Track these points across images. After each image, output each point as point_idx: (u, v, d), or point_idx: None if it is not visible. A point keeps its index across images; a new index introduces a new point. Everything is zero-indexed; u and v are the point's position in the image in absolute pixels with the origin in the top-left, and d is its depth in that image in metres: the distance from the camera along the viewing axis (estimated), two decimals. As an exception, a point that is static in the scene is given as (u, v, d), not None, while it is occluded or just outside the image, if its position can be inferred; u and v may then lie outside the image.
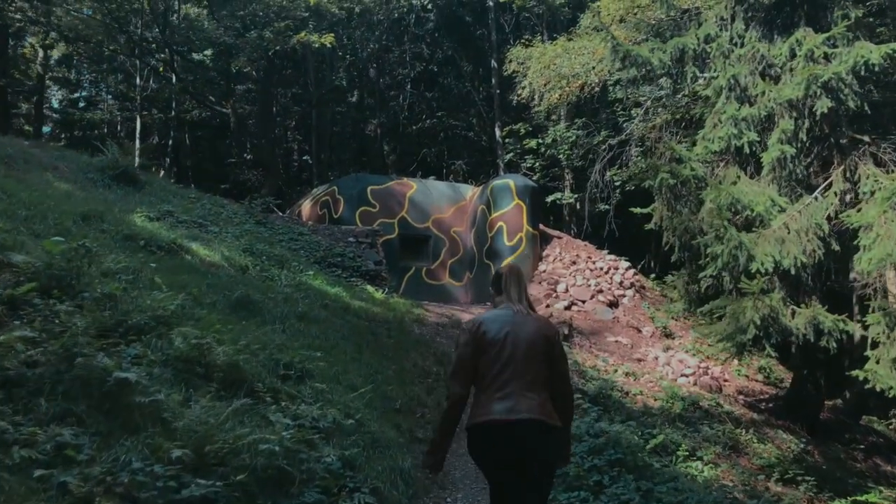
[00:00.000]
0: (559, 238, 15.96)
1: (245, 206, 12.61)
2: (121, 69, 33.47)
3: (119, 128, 36.62)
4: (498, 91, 23.15)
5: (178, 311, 5.80)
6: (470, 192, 17.18)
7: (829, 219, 7.86)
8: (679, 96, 14.20)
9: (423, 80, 30.27)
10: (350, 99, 32.71)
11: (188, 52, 23.21)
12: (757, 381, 12.55)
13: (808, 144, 8.38)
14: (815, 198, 8.03)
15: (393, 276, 14.96)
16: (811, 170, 8.56)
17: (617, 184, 17.95)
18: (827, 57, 7.96)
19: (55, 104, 37.20)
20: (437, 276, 16.31)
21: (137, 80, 32.96)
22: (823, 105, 7.65)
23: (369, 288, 11.33)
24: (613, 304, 13.62)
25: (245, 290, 7.67)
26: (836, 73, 7.52)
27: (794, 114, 7.97)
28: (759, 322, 7.45)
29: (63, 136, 35.62)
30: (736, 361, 12.87)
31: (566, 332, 11.47)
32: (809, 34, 8.13)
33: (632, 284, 14.46)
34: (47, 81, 36.63)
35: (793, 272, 7.51)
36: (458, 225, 16.69)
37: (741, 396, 11.22)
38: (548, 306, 13.00)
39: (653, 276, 17.87)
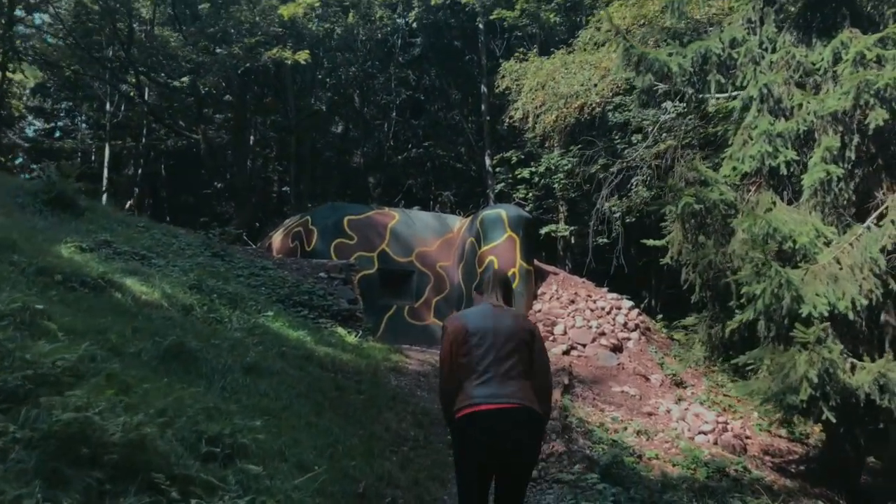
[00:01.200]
0: (555, 274, 14.77)
1: (201, 237, 11.34)
2: (93, 96, 32.51)
3: (93, 157, 35.53)
4: (488, 118, 22.19)
5: (76, 366, 4.49)
6: (458, 223, 16.01)
7: (883, 251, 6.70)
8: (688, 119, 13.17)
9: (410, 107, 29.35)
10: (334, 129, 31.70)
11: (157, 74, 22.08)
12: (780, 436, 11.27)
13: (851, 166, 7.27)
14: (868, 227, 6.90)
15: (371, 316, 13.70)
16: (857, 195, 7.43)
17: (617, 215, 16.87)
18: (880, 61, 6.90)
19: (29, 134, 36.33)
20: (421, 315, 15.03)
21: (108, 106, 32.07)
22: (878, 117, 6.56)
23: (340, 331, 10.04)
24: (617, 349, 12.38)
25: (181, 335, 6.39)
26: (892, 78, 6.44)
27: (840, 128, 6.87)
28: (815, 380, 6.21)
29: (35, 166, 34.74)
30: (755, 415, 11.65)
31: (566, 381, 10.20)
32: (857, 35, 7.08)
33: (636, 326, 13.24)
34: (23, 111, 35.77)
35: (851, 317, 6.33)
36: (445, 259, 15.47)
37: (767, 458, 9.94)
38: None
39: (659, 317, 16.71)
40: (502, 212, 14.13)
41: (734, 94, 8.71)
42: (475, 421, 3.32)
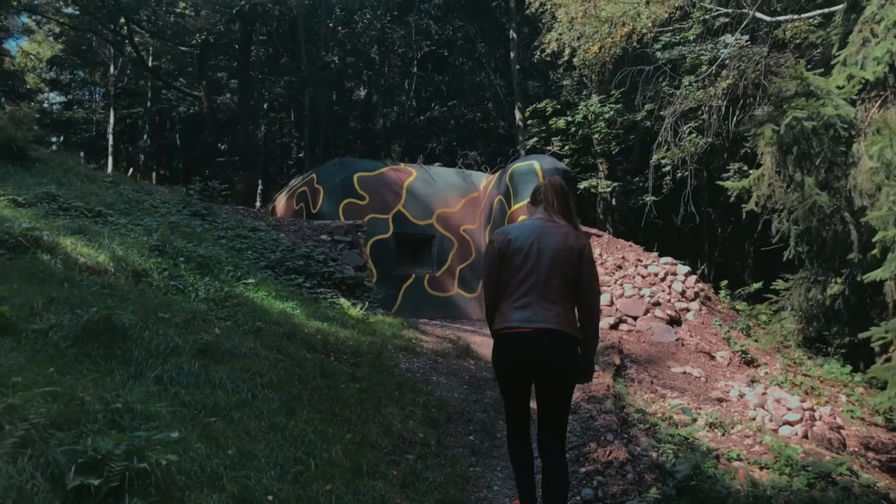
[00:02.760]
0: (598, 236, 13.07)
1: (182, 194, 9.85)
2: (101, 62, 31.33)
3: (110, 127, 34.58)
4: (518, 67, 20.31)
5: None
6: (484, 180, 14.36)
7: None
8: (757, 49, 11.27)
9: (432, 62, 27.56)
10: (357, 95, 30.03)
11: (153, 23, 20.58)
12: (877, 425, 9.55)
13: None
14: None
15: (386, 287, 12.20)
16: None
17: (667, 168, 15.05)
18: None
19: (46, 107, 35.79)
20: (444, 285, 13.49)
21: (111, 69, 30.81)
22: None
23: (343, 302, 8.53)
24: (675, 322, 10.70)
25: (114, 307, 4.93)
26: None
27: None
28: None
29: (53, 139, 34.35)
30: (844, 398, 9.93)
31: (617, 361, 8.57)
32: None
33: (696, 295, 11.52)
34: (41, 85, 35.09)
35: None
36: (470, 222, 13.86)
37: (871, 454, 8.23)
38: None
39: (709, 285, 14.94)
40: (535, 164, 12.44)
41: (818, 12, 6.95)
42: (510, 342, 3.34)
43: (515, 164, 12.89)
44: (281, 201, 14.80)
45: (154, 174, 31.70)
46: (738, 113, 13.01)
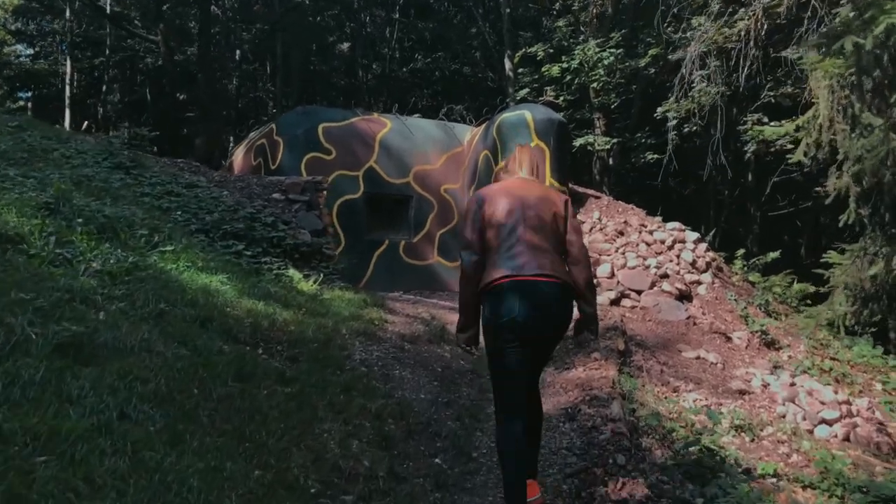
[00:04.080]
0: (597, 198, 11.78)
1: (104, 143, 8.43)
2: (60, 8, 29.47)
3: (75, 79, 32.72)
4: (508, 11, 18.75)
5: None
6: (468, 133, 12.98)
7: None
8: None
9: (416, 5, 25.89)
10: (333, 42, 28.35)
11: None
12: (919, 418, 8.41)
13: None
14: None
15: (356, 255, 10.92)
16: None
17: (672, 122, 13.73)
18: None
19: (13, 60, 33.97)
20: (422, 252, 12.20)
21: (67, 13, 28.96)
22: None
23: (292, 274, 7.21)
24: (685, 297, 9.48)
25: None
26: None
27: None
28: None
29: (21, 94, 32.83)
30: (879, 386, 8.78)
31: (620, 346, 7.33)
32: None
33: (707, 265, 10.28)
34: (6, 36, 33.28)
35: None
36: (452, 181, 12.52)
37: (922, 458, 7.07)
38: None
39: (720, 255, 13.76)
40: (527, 114, 11.06)
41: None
42: (505, 290, 3.17)
43: (504, 114, 11.50)
44: (238, 156, 13.37)
45: (126, 132, 30.05)
46: (758, 54, 11.61)
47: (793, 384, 7.61)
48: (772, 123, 10.45)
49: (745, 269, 10.96)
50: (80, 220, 5.66)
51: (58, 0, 28.43)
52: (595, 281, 9.26)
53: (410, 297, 9.37)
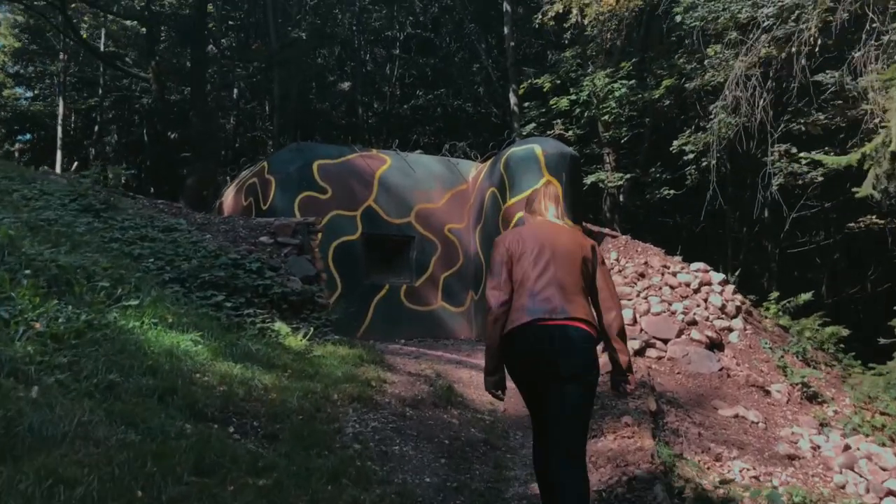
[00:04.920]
0: (613, 237, 11.03)
1: (73, 182, 7.73)
2: (53, 50, 29.28)
3: (72, 121, 32.41)
4: (512, 44, 18.27)
5: None
6: (473, 170, 12.30)
7: None
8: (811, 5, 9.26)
9: (417, 44, 25.51)
10: (334, 81, 28.01)
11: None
12: None
13: None
14: None
15: (353, 301, 10.18)
16: None
17: (690, 156, 13.06)
18: None
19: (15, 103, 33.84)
20: (425, 297, 11.43)
21: (61, 55, 28.72)
22: None
23: (279, 328, 6.44)
24: (716, 345, 8.67)
25: None
26: None
27: None
28: None
29: (21, 138, 32.74)
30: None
31: (652, 406, 6.52)
32: None
33: (737, 310, 9.49)
34: (6, 79, 33.16)
35: None
36: (456, 220, 11.80)
37: None
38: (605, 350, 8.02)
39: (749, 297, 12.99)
40: (536, 148, 10.39)
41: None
42: (527, 334, 3.17)
43: (511, 148, 10.83)
44: (229, 197, 12.70)
45: (100, 168, 29.55)
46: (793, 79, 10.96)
47: (847, 448, 6.77)
48: (810, 153, 9.78)
49: (779, 313, 10.15)
50: (27, 272, 4.92)
51: (50, 40, 28.23)
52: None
53: (412, 349, 8.57)
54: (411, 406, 5.62)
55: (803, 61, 9.39)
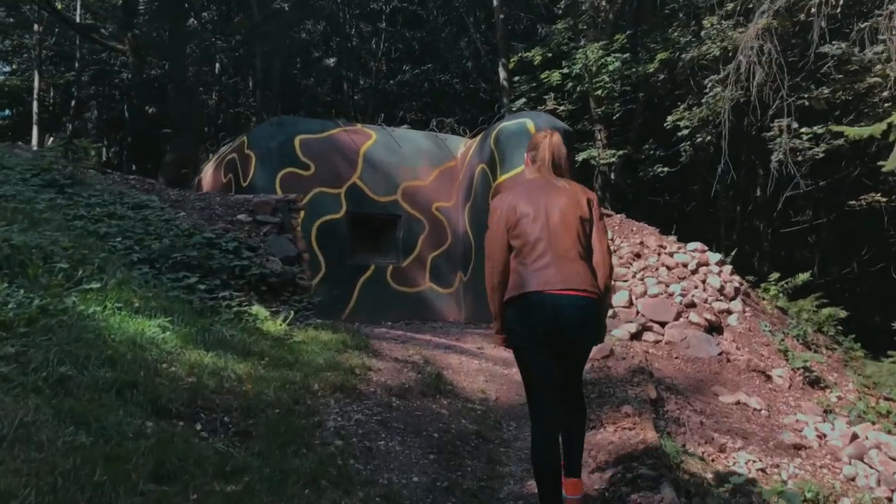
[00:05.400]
0: (608, 217, 10.67)
1: (37, 156, 7.27)
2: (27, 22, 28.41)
3: (51, 96, 31.67)
4: (502, 17, 17.78)
5: None
6: (462, 146, 11.91)
7: None
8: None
9: (404, 17, 24.93)
10: (319, 56, 27.39)
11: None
12: None
13: None
14: None
15: (337, 283, 9.81)
16: None
17: (685, 131, 12.71)
18: None
19: (-2, 77, 32.97)
20: (412, 278, 11.07)
21: (35, 27, 27.89)
22: None
23: (257, 311, 6.05)
24: (715, 329, 8.37)
25: None
26: None
27: None
28: None
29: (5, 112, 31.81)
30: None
31: (651, 394, 6.21)
32: None
33: (736, 291, 9.19)
34: None
35: None
36: (445, 198, 11.43)
37: None
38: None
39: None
40: (528, 122, 10.00)
41: None
42: (530, 304, 3.18)
43: (502, 123, 10.44)
44: (208, 173, 12.24)
45: (104, 150, 28.85)
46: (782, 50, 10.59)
47: (855, 436, 6.49)
48: (811, 129, 9.45)
49: (779, 295, 9.86)
50: (-26, 252, 4.50)
51: (28, 14, 27.41)
52: (610, 311, 8.26)
53: (399, 333, 8.21)
54: (398, 396, 5.26)
55: (823, 23, 8.99)
